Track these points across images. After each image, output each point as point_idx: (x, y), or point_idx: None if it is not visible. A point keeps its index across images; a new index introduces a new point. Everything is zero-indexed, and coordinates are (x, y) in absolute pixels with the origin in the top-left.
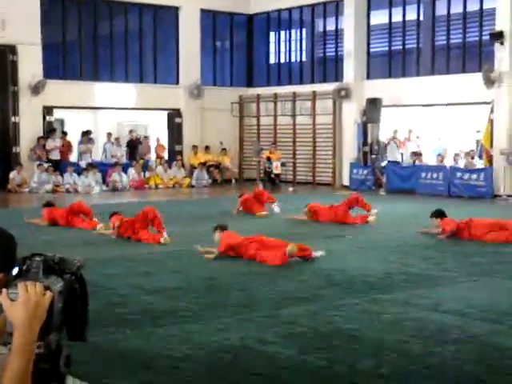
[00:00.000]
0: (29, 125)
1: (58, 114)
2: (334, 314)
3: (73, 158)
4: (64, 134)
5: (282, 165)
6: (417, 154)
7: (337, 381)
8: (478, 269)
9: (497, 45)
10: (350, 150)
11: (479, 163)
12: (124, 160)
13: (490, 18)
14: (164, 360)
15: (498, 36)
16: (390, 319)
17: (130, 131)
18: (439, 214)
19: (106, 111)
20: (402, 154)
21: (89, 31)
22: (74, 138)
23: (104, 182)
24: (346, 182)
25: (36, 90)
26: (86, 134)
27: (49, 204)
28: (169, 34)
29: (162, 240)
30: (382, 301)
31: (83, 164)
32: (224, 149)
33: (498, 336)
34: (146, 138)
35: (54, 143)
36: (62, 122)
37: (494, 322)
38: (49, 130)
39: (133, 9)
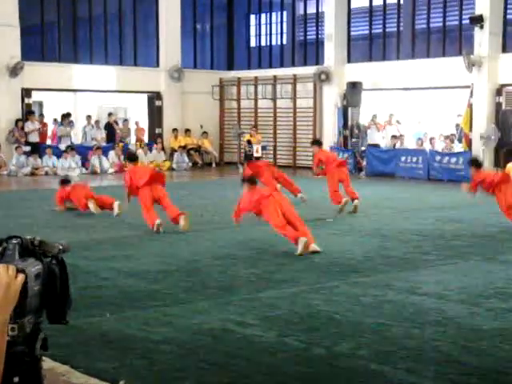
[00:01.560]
0: (7, 107)
1: (36, 96)
2: (314, 296)
3: (50, 140)
4: (41, 116)
5: (263, 148)
6: (396, 138)
7: (316, 363)
8: (456, 252)
9: (476, 29)
10: (330, 133)
11: (458, 147)
12: (104, 143)
13: (470, 2)
14: (144, 342)
15: (478, 20)
16: (369, 302)
17: (109, 114)
18: (473, 162)
19: (86, 94)
20: (383, 138)
21: (68, 13)
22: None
23: (83, 165)
24: None
25: (14, 71)
26: (65, 116)
27: (66, 181)
28: (149, 16)
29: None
30: (361, 284)
31: (62, 147)
32: (205, 132)
33: (475, 318)
34: (126, 120)
35: (32, 126)
36: (40, 104)
37: (471, 305)
38: (27, 113)
39: None
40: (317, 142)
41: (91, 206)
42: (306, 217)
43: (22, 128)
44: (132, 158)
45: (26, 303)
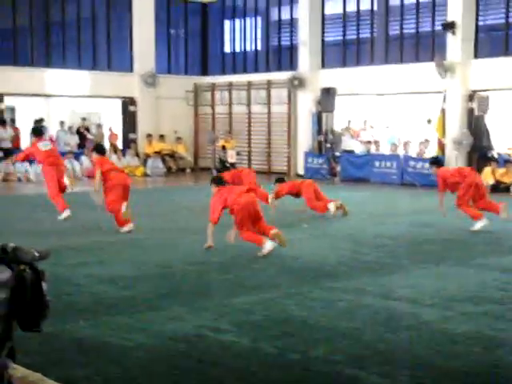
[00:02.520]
0: None
1: (8, 101)
2: (288, 302)
3: (23, 146)
4: (12, 121)
5: (237, 154)
6: (371, 143)
7: (290, 368)
8: (430, 256)
9: (449, 35)
10: (305, 139)
11: (430, 152)
12: (76, 148)
13: (443, 8)
14: (117, 349)
15: (450, 26)
16: (344, 307)
17: (83, 119)
18: (433, 162)
19: (59, 99)
20: (358, 143)
21: (40, 16)
22: (26, 125)
23: None
24: (301, 170)
25: None
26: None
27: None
28: (122, 20)
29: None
30: (335, 289)
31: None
32: (179, 137)
33: (448, 322)
34: (100, 126)
35: (6, 134)
36: (12, 109)
37: (444, 308)
38: (1, 122)
39: None
40: None
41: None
42: (280, 222)
43: None
44: (100, 149)
45: None
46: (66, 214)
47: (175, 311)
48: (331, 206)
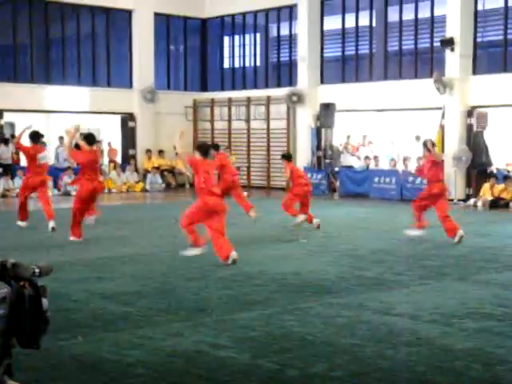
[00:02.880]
0: None
1: (8, 117)
2: (288, 318)
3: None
4: (13, 137)
5: (237, 169)
6: (370, 159)
7: None
8: (429, 272)
9: (447, 51)
10: (304, 154)
11: None
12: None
13: (441, 24)
14: (116, 365)
15: (449, 43)
16: (343, 322)
17: (81, 134)
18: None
19: (59, 115)
20: (357, 158)
21: (40, 33)
22: (25, 141)
23: (55, 186)
24: None
25: None
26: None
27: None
28: (122, 37)
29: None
30: (335, 304)
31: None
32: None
33: (448, 338)
34: (99, 141)
35: (7, 151)
36: (12, 125)
37: (444, 325)
38: (3, 140)
39: (85, 11)
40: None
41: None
42: (279, 237)
43: None
44: (35, 137)
45: None
46: (23, 223)
47: (174, 327)
48: (301, 217)
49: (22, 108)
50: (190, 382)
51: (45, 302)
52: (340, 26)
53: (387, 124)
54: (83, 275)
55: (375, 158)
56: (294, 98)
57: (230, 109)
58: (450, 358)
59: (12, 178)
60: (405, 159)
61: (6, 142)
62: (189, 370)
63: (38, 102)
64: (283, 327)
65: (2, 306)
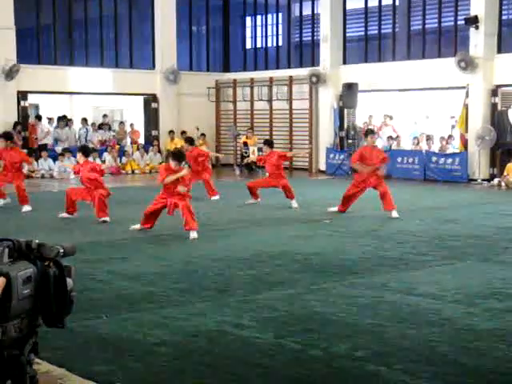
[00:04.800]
0: (3, 110)
1: (32, 98)
2: (310, 298)
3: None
4: (38, 118)
5: (259, 150)
6: (392, 139)
7: (312, 364)
8: (453, 252)
9: (472, 29)
10: (326, 135)
11: (454, 148)
12: (99, 146)
13: (465, 2)
14: (140, 345)
15: (473, 21)
16: (366, 303)
17: (104, 116)
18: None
19: (82, 96)
20: (380, 138)
21: (63, 15)
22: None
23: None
24: (322, 167)
25: (10, 74)
26: (61, 119)
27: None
28: (144, 18)
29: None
30: (357, 285)
31: (59, 149)
32: (202, 134)
33: (471, 318)
34: (122, 123)
35: (42, 132)
36: (36, 106)
37: (468, 305)
38: (36, 117)
39: None
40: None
41: None
42: (302, 218)
43: (20, 132)
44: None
45: (10, 307)
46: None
47: (198, 307)
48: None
49: (46, 90)
50: (213, 361)
51: (69, 281)
52: (363, 5)
53: (410, 104)
54: (107, 256)
55: (397, 137)
56: (317, 78)
57: (252, 89)
58: (474, 338)
59: (36, 160)
60: (428, 138)
61: (39, 118)
62: (212, 350)
63: (61, 83)
64: (306, 307)
65: (27, 285)
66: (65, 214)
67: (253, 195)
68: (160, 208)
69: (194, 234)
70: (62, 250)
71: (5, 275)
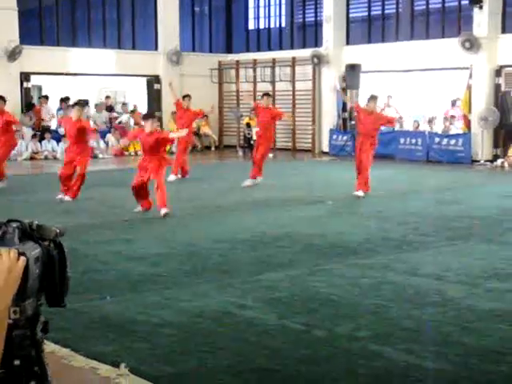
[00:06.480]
0: (5, 91)
1: (35, 80)
2: (313, 279)
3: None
4: (46, 98)
5: None
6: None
7: (316, 344)
8: (456, 233)
9: (475, 9)
10: (329, 116)
11: (457, 128)
12: (103, 126)
13: None
14: (144, 326)
15: (477, 0)
16: (369, 283)
17: (107, 97)
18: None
19: (86, 77)
20: None
21: None
22: (52, 104)
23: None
24: (325, 148)
25: (13, 55)
26: (64, 100)
27: None
28: None
29: None
30: (360, 265)
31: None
32: (204, 115)
33: (474, 299)
34: (125, 104)
35: (47, 112)
36: (39, 88)
37: (470, 286)
38: (42, 97)
39: None
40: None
41: None
42: (305, 199)
43: (31, 118)
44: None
45: (27, 286)
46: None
47: (201, 288)
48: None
49: (49, 71)
50: (217, 342)
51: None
52: None
53: (413, 84)
54: (110, 237)
55: (400, 118)
56: (320, 59)
57: (255, 70)
58: (477, 319)
59: (40, 141)
60: (430, 120)
61: (45, 98)
62: (216, 330)
63: (63, 64)
64: (309, 288)
65: (38, 264)
66: (64, 196)
67: (259, 172)
68: (145, 181)
69: (164, 210)
70: (58, 231)
71: (24, 255)
